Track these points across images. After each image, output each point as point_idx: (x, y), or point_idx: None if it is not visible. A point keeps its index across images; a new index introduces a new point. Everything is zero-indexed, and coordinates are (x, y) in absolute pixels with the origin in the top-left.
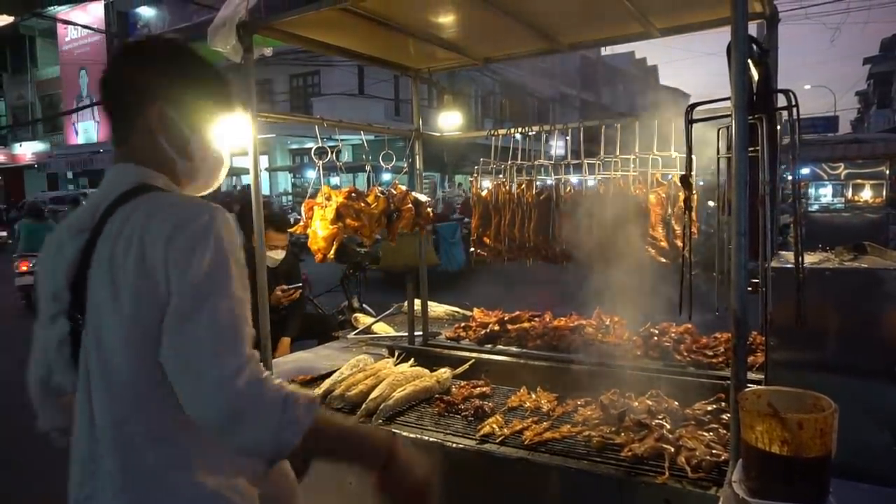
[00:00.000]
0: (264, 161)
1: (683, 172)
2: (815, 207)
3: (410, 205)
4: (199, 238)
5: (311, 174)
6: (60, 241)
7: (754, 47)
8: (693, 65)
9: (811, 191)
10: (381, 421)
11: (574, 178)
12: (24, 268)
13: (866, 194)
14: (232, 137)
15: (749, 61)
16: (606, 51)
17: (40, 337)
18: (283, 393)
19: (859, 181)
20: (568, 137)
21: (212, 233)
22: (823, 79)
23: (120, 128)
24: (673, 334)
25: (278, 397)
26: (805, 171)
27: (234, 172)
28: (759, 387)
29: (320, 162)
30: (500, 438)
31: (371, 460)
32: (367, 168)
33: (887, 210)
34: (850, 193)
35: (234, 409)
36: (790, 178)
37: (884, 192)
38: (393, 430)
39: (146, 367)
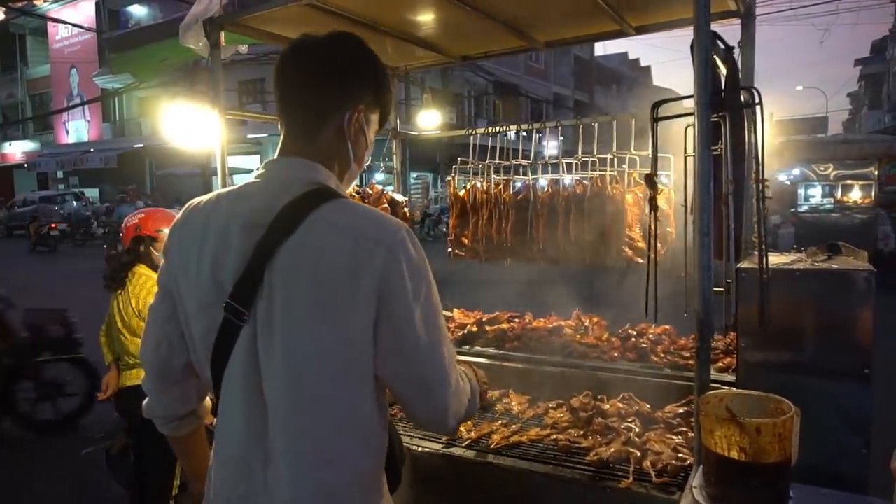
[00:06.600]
0: (257, 161)
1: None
2: (805, 208)
3: (386, 204)
4: (418, 266)
5: None
6: (222, 230)
7: (719, 44)
8: (687, 66)
9: (800, 191)
10: None
11: (554, 177)
12: None
13: (855, 195)
14: (203, 135)
15: (716, 59)
16: (600, 51)
17: (160, 318)
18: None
19: (848, 182)
20: (561, 138)
21: (425, 262)
22: (815, 80)
23: (310, 120)
24: (651, 335)
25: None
26: (795, 171)
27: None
28: (721, 390)
29: None
30: (466, 442)
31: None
32: None
33: (876, 210)
34: (839, 194)
35: (457, 414)
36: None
37: (873, 193)
38: None
39: (349, 378)
